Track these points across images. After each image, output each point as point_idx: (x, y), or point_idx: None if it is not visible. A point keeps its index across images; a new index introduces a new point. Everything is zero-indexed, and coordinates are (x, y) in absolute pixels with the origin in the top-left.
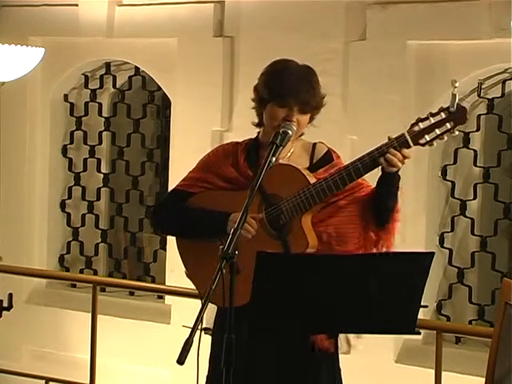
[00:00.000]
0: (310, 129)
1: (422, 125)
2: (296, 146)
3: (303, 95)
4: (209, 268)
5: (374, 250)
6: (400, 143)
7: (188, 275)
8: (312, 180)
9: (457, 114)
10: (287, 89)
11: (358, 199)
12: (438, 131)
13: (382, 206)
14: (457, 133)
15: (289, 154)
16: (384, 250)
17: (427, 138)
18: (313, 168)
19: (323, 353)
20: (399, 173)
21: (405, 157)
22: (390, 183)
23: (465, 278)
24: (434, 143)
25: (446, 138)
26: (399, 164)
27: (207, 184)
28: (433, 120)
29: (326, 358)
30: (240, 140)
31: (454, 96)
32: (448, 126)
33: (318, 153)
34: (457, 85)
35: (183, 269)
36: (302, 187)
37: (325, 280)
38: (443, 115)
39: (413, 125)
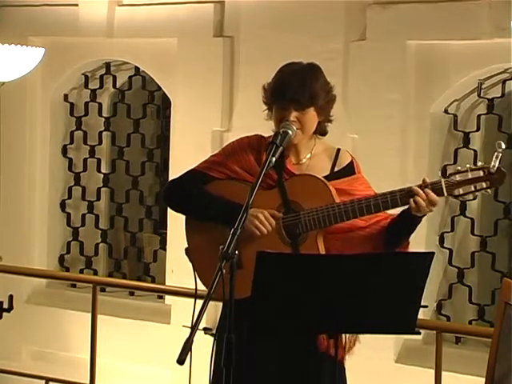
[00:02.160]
0: None
1: (459, 177)
2: (317, 148)
3: (293, 92)
4: (210, 251)
5: None
6: (434, 189)
7: (187, 251)
8: (337, 199)
9: (495, 176)
10: (279, 90)
11: (375, 225)
12: (473, 187)
13: (393, 239)
14: (490, 192)
15: (309, 155)
16: None
17: (461, 191)
18: (333, 176)
19: (324, 353)
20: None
21: (433, 204)
22: (411, 223)
23: (465, 278)
24: (466, 197)
25: (478, 194)
26: (426, 209)
27: (227, 170)
28: (470, 175)
29: (327, 358)
30: (264, 135)
31: (497, 157)
32: (484, 185)
33: (342, 162)
34: (503, 147)
35: (185, 245)
36: (326, 204)
37: (325, 280)
38: (481, 173)
39: (450, 174)
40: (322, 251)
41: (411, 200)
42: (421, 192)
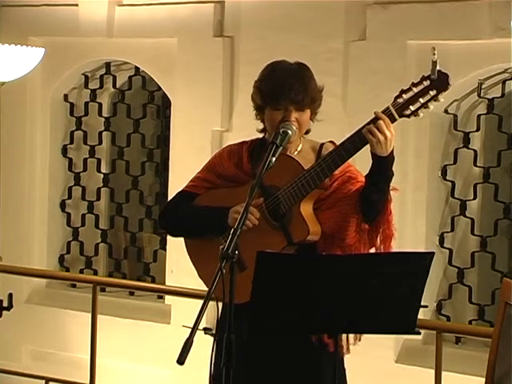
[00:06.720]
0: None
1: (405, 96)
2: (304, 145)
3: (295, 94)
4: (214, 266)
5: (368, 247)
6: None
7: (198, 274)
8: (306, 166)
9: (439, 81)
10: (278, 91)
11: (354, 192)
12: (421, 100)
13: (366, 199)
14: (442, 100)
15: (296, 152)
16: (380, 243)
17: (412, 108)
18: None
19: (324, 353)
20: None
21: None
22: (377, 172)
23: (465, 278)
24: (420, 113)
25: (431, 107)
26: (378, 135)
27: (209, 184)
28: (416, 90)
29: (327, 358)
30: (246, 139)
31: (434, 63)
32: (431, 93)
33: (325, 151)
34: (435, 52)
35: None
36: (298, 175)
37: (325, 280)
38: (425, 83)
39: (396, 97)
40: (312, 222)
41: (369, 136)
42: (372, 127)
